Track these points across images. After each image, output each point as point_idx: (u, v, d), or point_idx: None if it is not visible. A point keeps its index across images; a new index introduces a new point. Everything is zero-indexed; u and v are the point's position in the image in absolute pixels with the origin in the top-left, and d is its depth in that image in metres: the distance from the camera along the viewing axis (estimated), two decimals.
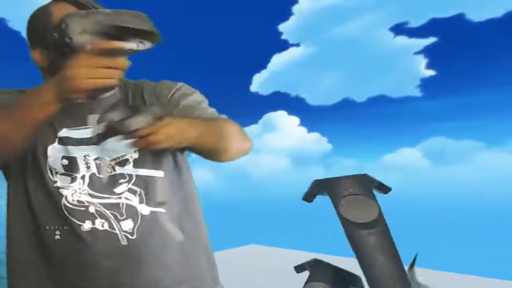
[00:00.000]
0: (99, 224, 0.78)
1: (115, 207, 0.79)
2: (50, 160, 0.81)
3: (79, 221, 0.78)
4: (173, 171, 0.87)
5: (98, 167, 0.82)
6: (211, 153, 0.85)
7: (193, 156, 0.94)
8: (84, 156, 0.82)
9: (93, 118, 0.84)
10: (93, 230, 0.78)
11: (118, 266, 0.77)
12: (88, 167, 0.81)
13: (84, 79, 0.65)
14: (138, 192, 0.81)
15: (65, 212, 0.79)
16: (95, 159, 0.82)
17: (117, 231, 0.78)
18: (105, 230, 0.78)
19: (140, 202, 0.81)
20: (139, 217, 0.80)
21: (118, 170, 0.82)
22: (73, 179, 0.81)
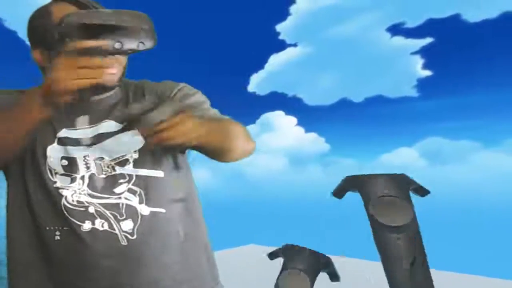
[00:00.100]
0: (99, 224, 0.78)
1: (115, 207, 0.79)
2: (49, 160, 0.81)
3: (79, 221, 0.78)
4: (173, 171, 0.87)
5: (97, 167, 0.82)
6: (216, 153, 0.85)
7: (192, 156, 0.94)
8: (84, 157, 0.82)
9: (83, 119, 0.84)
10: (93, 230, 0.78)
11: (118, 266, 0.77)
12: (87, 168, 0.81)
13: (67, 80, 0.64)
14: (138, 192, 0.81)
15: (65, 212, 0.78)
16: (95, 160, 0.82)
17: (117, 231, 0.78)
18: (105, 231, 0.78)
19: (140, 202, 0.81)
20: (139, 217, 0.80)
21: (118, 170, 0.82)
22: (73, 180, 0.80)
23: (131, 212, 0.80)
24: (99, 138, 0.83)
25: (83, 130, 0.84)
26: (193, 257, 0.86)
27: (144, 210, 0.80)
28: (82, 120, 0.84)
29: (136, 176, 0.82)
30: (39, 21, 0.83)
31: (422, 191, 0.74)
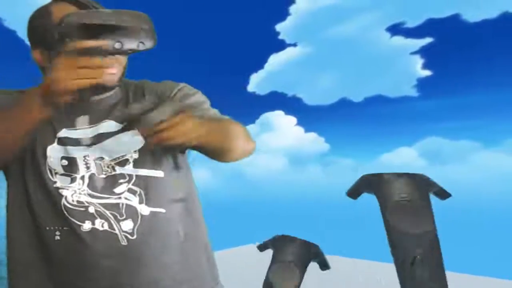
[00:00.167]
0: (99, 224, 0.78)
1: (114, 207, 0.79)
2: (49, 160, 0.81)
3: (79, 221, 0.78)
4: (173, 171, 0.87)
5: (97, 167, 0.82)
6: (217, 153, 0.85)
7: (192, 156, 0.94)
8: (84, 157, 0.82)
9: (83, 119, 0.84)
10: (93, 230, 0.78)
11: (118, 266, 0.77)
12: (87, 168, 0.81)
13: (66, 80, 0.64)
14: (138, 192, 0.81)
15: (65, 212, 0.78)
16: (95, 160, 0.82)
17: (117, 231, 0.78)
18: (105, 231, 0.78)
19: (140, 202, 0.81)
20: (139, 217, 0.80)
21: (118, 170, 0.82)
22: (73, 180, 0.80)
23: (131, 212, 0.80)
24: (99, 138, 0.83)
25: (83, 130, 0.84)
26: (193, 257, 0.86)
27: (144, 210, 0.81)
28: (82, 120, 0.84)
29: (136, 176, 0.82)
30: (39, 21, 0.83)
31: (443, 194, 0.69)
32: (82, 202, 0.79)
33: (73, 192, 0.80)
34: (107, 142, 0.83)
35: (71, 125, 0.84)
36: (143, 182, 0.82)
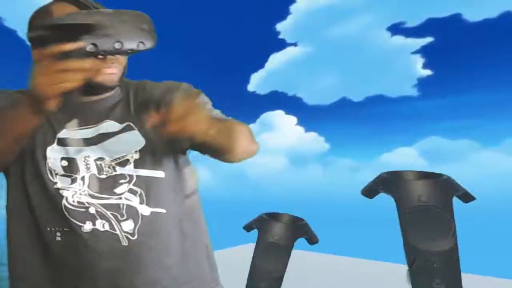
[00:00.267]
0: (100, 225, 0.78)
1: (115, 207, 0.79)
2: (49, 161, 0.81)
3: (79, 222, 0.78)
4: (174, 172, 0.86)
5: (98, 167, 0.82)
6: (221, 151, 0.84)
7: (192, 155, 0.94)
8: (84, 157, 0.81)
9: (83, 120, 0.84)
10: (94, 231, 0.78)
11: (119, 266, 0.77)
12: (88, 168, 0.81)
13: (46, 86, 0.63)
14: (139, 193, 0.81)
15: (66, 213, 0.78)
16: (95, 160, 0.82)
17: (117, 232, 0.78)
18: (106, 231, 0.78)
19: (141, 202, 0.80)
20: (140, 217, 0.80)
21: (119, 170, 0.81)
22: (73, 180, 0.80)
23: (132, 213, 0.79)
24: (99, 138, 0.83)
25: (83, 131, 0.84)
26: (194, 257, 0.86)
27: (145, 210, 0.80)
28: (82, 120, 0.84)
29: (137, 176, 0.82)
30: (39, 21, 0.83)
31: (467, 197, 0.64)
32: (82, 203, 0.79)
33: (74, 193, 0.79)
34: (108, 142, 0.83)
35: (71, 126, 0.84)
36: (144, 183, 0.82)
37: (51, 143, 0.82)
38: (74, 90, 0.65)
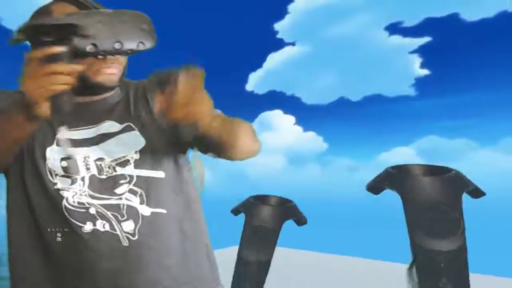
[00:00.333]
0: (100, 225, 0.78)
1: (115, 208, 0.79)
2: (49, 162, 0.81)
3: (80, 222, 0.78)
4: (174, 172, 0.86)
5: (98, 168, 0.82)
6: (222, 147, 0.82)
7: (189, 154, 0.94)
8: (84, 158, 0.81)
9: (83, 120, 0.84)
10: (94, 231, 0.78)
11: (119, 267, 0.77)
12: (88, 168, 0.81)
13: (35, 90, 0.63)
14: (139, 193, 0.81)
15: (66, 214, 0.78)
16: (95, 160, 0.82)
17: (118, 232, 0.78)
18: (106, 231, 0.78)
19: (141, 203, 0.81)
20: (140, 218, 0.80)
21: (119, 170, 0.81)
22: (73, 181, 0.80)
23: (132, 213, 0.80)
24: (99, 139, 0.83)
25: (83, 131, 0.84)
26: (194, 257, 0.86)
27: (145, 210, 0.80)
28: (82, 120, 0.84)
29: (137, 176, 0.82)
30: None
31: (477, 193, 0.60)
32: (83, 203, 0.79)
33: (74, 194, 0.79)
34: (108, 143, 0.83)
35: (71, 126, 0.84)
36: (144, 183, 0.82)
37: (50, 144, 0.81)
38: (65, 92, 0.65)
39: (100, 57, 0.78)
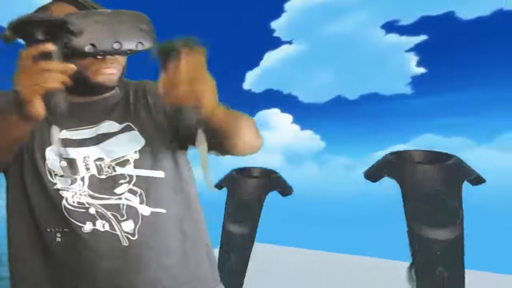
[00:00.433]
0: (100, 225, 0.78)
1: (115, 208, 0.80)
2: (48, 162, 0.81)
3: (79, 222, 0.78)
4: (174, 171, 0.87)
5: (98, 168, 0.82)
6: (224, 137, 0.78)
7: (189, 154, 0.94)
8: (84, 158, 0.82)
9: (82, 120, 0.84)
10: (94, 231, 0.78)
11: (119, 267, 0.78)
12: (87, 169, 0.81)
13: (26, 89, 0.63)
14: (139, 193, 0.81)
15: (66, 214, 0.78)
16: (95, 160, 0.82)
17: (118, 232, 0.78)
18: (106, 231, 0.78)
19: (141, 202, 0.81)
20: (140, 217, 0.80)
21: (119, 170, 0.82)
22: (73, 181, 0.80)
23: (132, 213, 0.80)
24: (99, 139, 0.83)
25: (83, 131, 0.84)
26: (194, 257, 0.87)
27: (145, 210, 0.81)
28: (82, 120, 0.84)
29: (137, 176, 0.82)
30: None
31: (478, 181, 0.60)
32: (82, 203, 0.79)
33: (74, 194, 0.80)
34: (107, 143, 0.83)
35: (71, 126, 0.84)
36: (144, 183, 0.82)
37: (50, 144, 0.82)
38: (59, 91, 0.64)
39: (99, 57, 0.78)
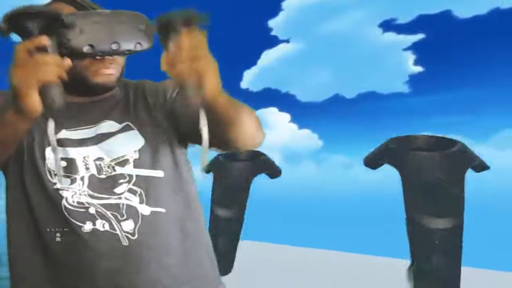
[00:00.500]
0: (100, 225, 0.79)
1: (115, 207, 0.80)
2: (48, 162, 0.81)
3: (79, 222, 0.78)
4: (173, 171, 0.87)
5: (97, 167, 0.82)
6: (226, 126, 0.75)
7: (189, 153, 0.95)
8: (84, 157, 0.82)
9: (82, 120, 0.84)
10: (94, 231, 0.78)
11: (119, 266, 0.78)
12: (87, 168, 0.82)
13: (22, 80, 0.62)
14: (139, 193, 0.82)
15: (65, 214, 0.79)
16: (94, 160, 0.82)
17: (118, 232, 0.79)
18: (106, 231, 0.78)
19: (141, 202, 0.81)
20: (140, 217, 0.80)
21: (118, 170, 0.82)
22: (73, 181, 0.81)
23: (132, 213, 0.80)
24: (99, 139, 0.83)
25: (82, 131, 0.84)
26: (195, 256, 0.87)
27: (145, 210, 0.81)
28: (81, 120, 0.84)
29: (136, 176, 0.82)
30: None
31: (482, 167, 0.58)
32: (82, 203, 0.79)
33: (73, 193, 0.80)
34: (107, 142, 0.83)
35: (70, 126, 0.84)
36: (143, 182, 0.82)
37: (49, 144, 0.82)
38: (56, 85, 0.63)
39: (98, 58, 0.78)
